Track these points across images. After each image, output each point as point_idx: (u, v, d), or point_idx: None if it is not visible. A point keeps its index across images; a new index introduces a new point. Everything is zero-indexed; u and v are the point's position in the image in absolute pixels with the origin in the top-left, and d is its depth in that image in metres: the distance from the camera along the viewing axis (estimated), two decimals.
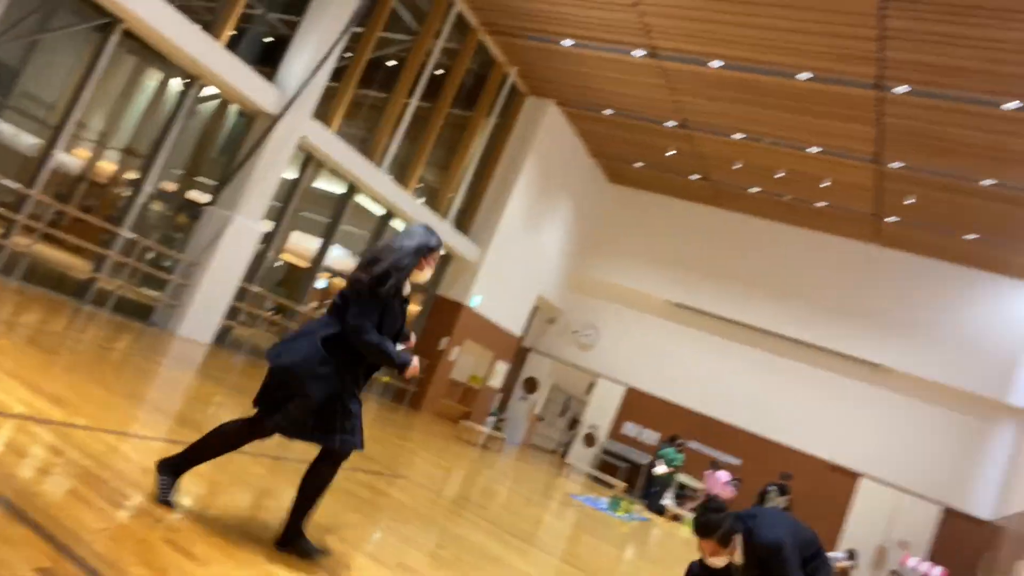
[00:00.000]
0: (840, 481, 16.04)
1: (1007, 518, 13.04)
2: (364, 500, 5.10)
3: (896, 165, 13.13)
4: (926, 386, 15.96)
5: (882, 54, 10.38)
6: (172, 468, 3.27)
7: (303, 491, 3.31)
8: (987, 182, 12.40)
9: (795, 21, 10.41)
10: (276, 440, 5.98)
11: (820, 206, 16.14)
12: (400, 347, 3.41)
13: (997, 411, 15.34)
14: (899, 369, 16.10)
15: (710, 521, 3.93)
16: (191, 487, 3.75)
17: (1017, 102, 10.19)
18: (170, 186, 13.48)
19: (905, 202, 14.29)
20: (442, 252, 3.54)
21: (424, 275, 3.44)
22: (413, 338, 3.59)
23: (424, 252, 3.37)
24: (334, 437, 3.25)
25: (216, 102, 13.27)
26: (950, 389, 15.65)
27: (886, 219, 15.48)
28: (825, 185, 14.93)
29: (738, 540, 3.92)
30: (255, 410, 3.32)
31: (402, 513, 5.25)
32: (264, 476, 4.67)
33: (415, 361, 3.32)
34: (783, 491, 13.02)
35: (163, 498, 3.23)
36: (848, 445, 16.25)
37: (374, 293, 3.21)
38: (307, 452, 5.91)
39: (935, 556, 14.86)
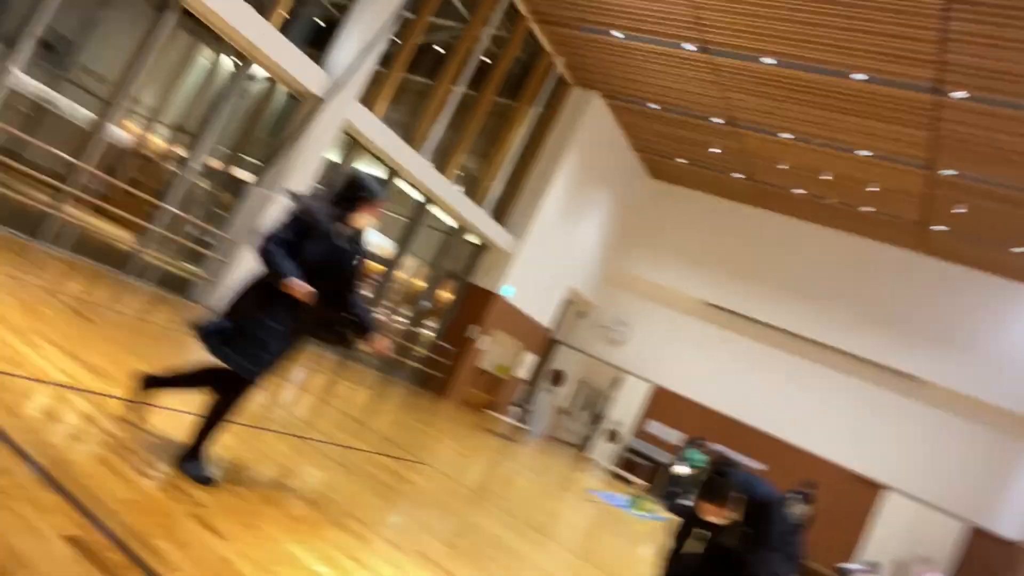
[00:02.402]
0: (863, 492, 15.73)
1: None
2: (385, 484, 5.17)
3: (948, 172, 12.75)
4: (959, 400, 15.53)
5: (941, 57, 10.06)
6: (150, 383, 3.68)
7: (210, 411, 3.46)
8: None
9: (851, 20, 10.14)
10: (303, 418, 6.10)
11: (865, 211, 15.77)
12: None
13: None
14: (932, 381, 15.69)
15: (719, 486, 3.93)
16: (218, 462, 3.85)
17: None
18: (216, 164, 13.73)
19: (954, 211, 13.88)
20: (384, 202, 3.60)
21: (361, 221, 3.51)
22: (379, 340, 3.70)
23: (366, 198, 3.48)
24: (234, 359, 3.35)
25: (265, 83, 13.45)
26: (983, 404, 15.21)
27: (932, 227, 15.06)
28: (872, 190, 14.57)
29: (738, 500, 3.93)
30: None
31: (422, 499, 5.31)
32: (288, 454, 4.76)
33: (298, 284, 3.25)
34: (807, 499, 12.83)
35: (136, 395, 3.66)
36: (874, 456, 15.92)
37: (296, 218, 3.38)
38: (332, 433, 6.02)
39: (957, 574, 14.54)
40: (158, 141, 15.96)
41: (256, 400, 6.11)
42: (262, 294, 3.35)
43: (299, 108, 10.66)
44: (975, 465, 15.11)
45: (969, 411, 15.47)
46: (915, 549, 15.13)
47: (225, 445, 4.12)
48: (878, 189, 14.46)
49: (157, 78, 15.26)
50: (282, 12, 10.08)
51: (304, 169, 10.55)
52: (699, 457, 13.89)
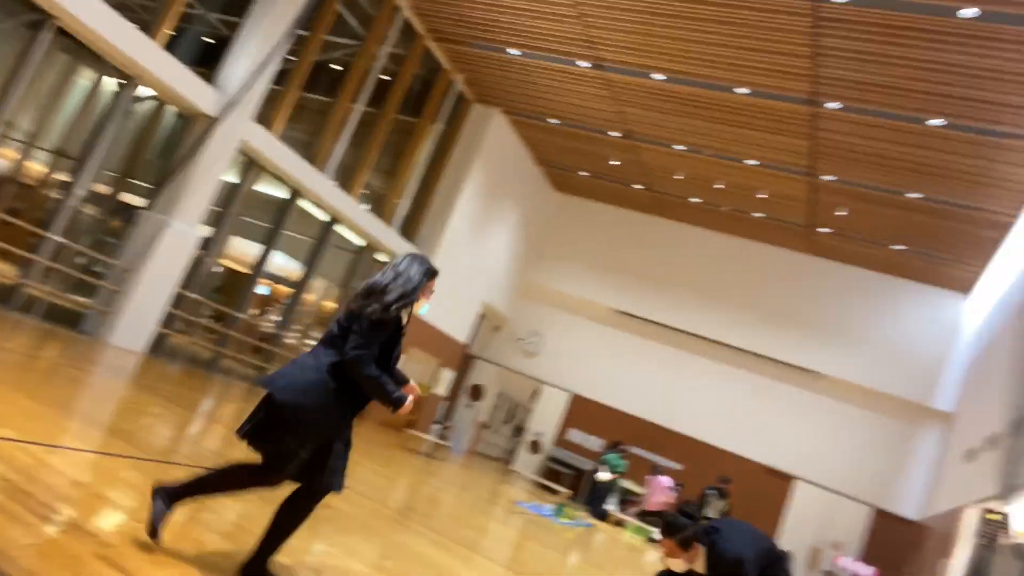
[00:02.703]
0: (776, 484, 16.50)
1: (932, 518, 13.63)
2: None
3: (828, 178, 13.64)
4: (857, 391, 16.58)
5: (815, 71, 10.80)
6: (169, 496, 3.08)
7: (277, 525, 3.17)
8: (913, 195, 13.00)
9: (733, 37, 10.74)
10: (214, 450, 5.84)
11: (757, 217, 16.64)
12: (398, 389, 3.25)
13: (923, 415, 16.04)
14: (832, 375, 16.69)
15: (676, 522, 4.02)
16: (123, 500, 3.64)
17: (941, 119, 10.72)
18: (103, 189, 13.01)
19: (837, 214, 14.85)
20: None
21: (422, 305, 3.35)
22: (413, 384, 3.41)
23: (429, 276, 3.34)
24: (320, 476, 3.13)
25: (153, 103, 12.89)
26: (880, 394, 16.30)
27: (819, 230, 16.05)
28: (762, 196, 15.40)
29: (701, 550, 4.00)
30: (243, 440, 3.11)
31: (345, 524, 5.18)
32: None
33: (410, 400, 3.20)
34: (722, 495, 13.31)
35: (154, 526, 3.03)
36: (784, 448, 16.74)
37: (381, 323, 3.11)
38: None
39: (866, 556, 15.42)
40: (38, 167, 14.97)
41: (162, 434, 5.81)
42: (335, 408, 3.11)
43: (190, 128, 10.28)
44: (876, 451, 16.11)
45: (867, 401, 16.52)
46: (827, 535, 15.96)
47: (130, 483, 3.90)
48: (767, 196, 15.30)
49: (34, 101, 14.35)
50: (167, 30, 9.71)
51: (200, 192, 10.16)
52: (619, 461, 14.17)
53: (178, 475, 4.53)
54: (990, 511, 9.83)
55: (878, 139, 11.86)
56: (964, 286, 15.91)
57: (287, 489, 3.24)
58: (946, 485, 13.31)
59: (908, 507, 15.65)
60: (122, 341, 9.72)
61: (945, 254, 14.82)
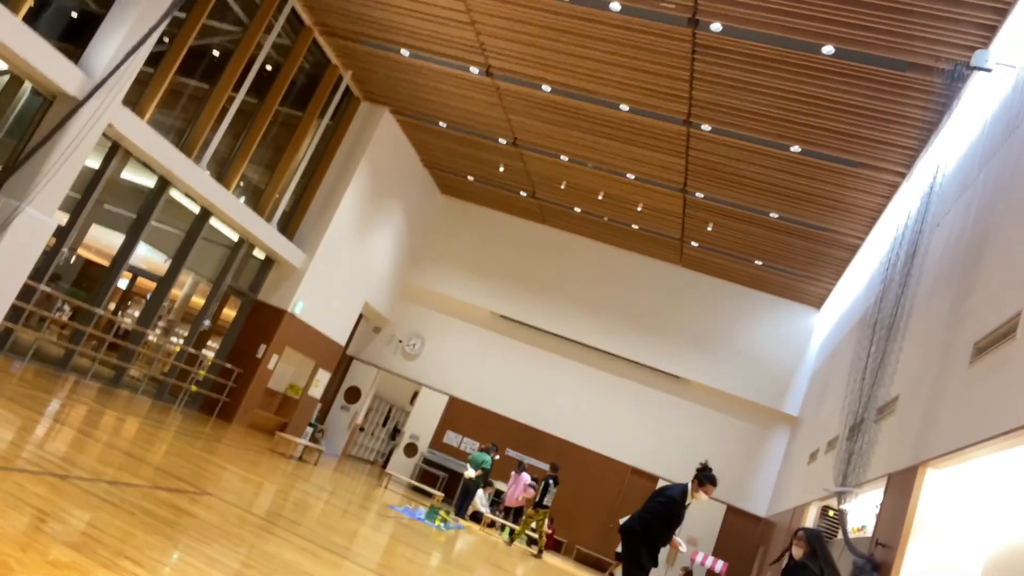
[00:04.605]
0: (641, 483, 17.27)
1: (778, 514, 14.72)
2: (163, 520, 4.79)
3: (698, 195, 14.46)
4: (718, 396, 17.66)
5: (691, 94, 11.44)
6: None
7: None
8: (773, 215, 14.01)
9: (618, 56, 11.21)
10: (61, 454, 5.46)
11: (635, 228, 17.37)
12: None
13: (774, 419, 17.30)
14: (696, 380, 17.68)
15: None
16: None
17: (799, 147, 11.64)
18: None
19: (706, 229, 15.77)
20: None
21: (699, 496, 6.16)
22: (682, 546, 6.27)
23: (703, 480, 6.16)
24: None
25: (6, 78, 11.84)
26: (737, 399, 17.44)
27: (690, 243, 16.98)
28: (639, 209, 16.10)
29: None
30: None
31: (206, 532, 4.99)
32: (46, 496, 4.25)
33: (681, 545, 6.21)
34: (556, 482, 14.10)
35: None
36: (649, 450, 17.57)
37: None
38: (96, 469, 5.45)
39: (719, 551, 16.44)
40: None
41: (1, 436, 5.37)
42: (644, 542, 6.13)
43: (51, 109, 9.53)
44: (733, 453, 17.20)
45: (726, 406, 17.60)
46: (686, 533, 16.84)
47: None
48: (644, 209, 16.01)
49: None
50: (27, 1, 8.97)
51: (57, 177, 9.43)
52: (484, 458, 14.38)
53: (21, 481, 4.22)
54: (828, 508, 10.75)
55: (744, 161, 12.71)
56: (816, 301, 17.31)
57: None
58: (791, 484, 14.41)
59: (758, 505, 16.83)
60: None
61: (800, 271, 16.07)
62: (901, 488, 6.55)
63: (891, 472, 7.04)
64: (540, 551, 13.46)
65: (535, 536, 13.83)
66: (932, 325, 7.32)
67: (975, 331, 5.91)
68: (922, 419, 6.59)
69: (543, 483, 13.87)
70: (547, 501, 13.67)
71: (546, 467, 17.32)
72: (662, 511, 6.05)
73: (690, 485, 6.16)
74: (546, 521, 13.93)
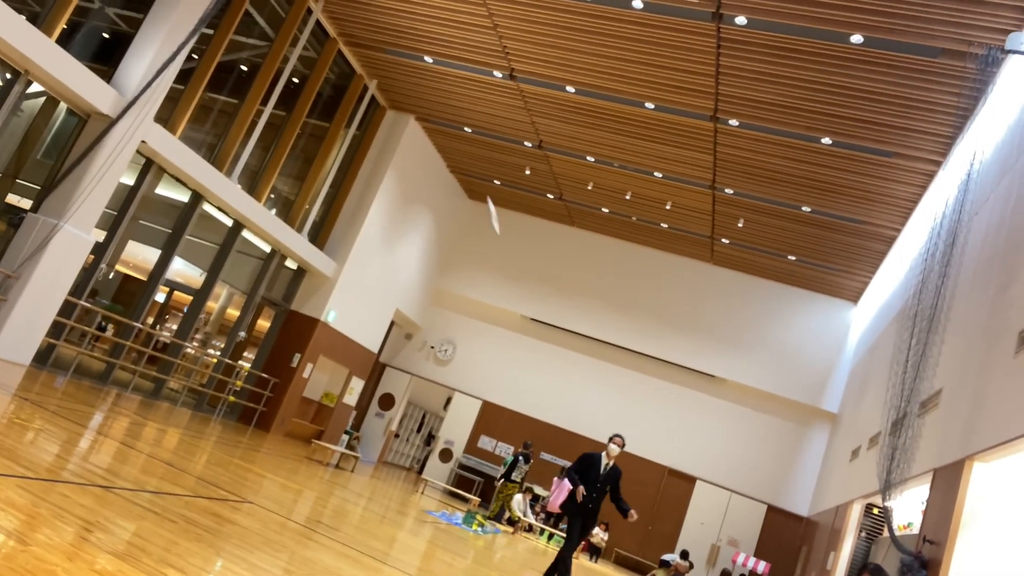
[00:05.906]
0: (679, 485, 17.09)
1: (820, 514, 14.45)
2: (205, 528, 4.85)
3: (728, 191, 14.30)
4: (754, 394, 17.41)
5: (718, 89, 11.32)
6: None
7: None
8: (805, 209, 13.79)
9: (642, 54, 11.13)
10: (106, 466, 5.57)
11: (664, 227, 17.24)
12: None
13: (813, 416, 17.00)
14: (731, 379, 17.45)
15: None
16: (5, 521, 3.44)
17: (829, 138, 11.44)
18: None
19: (737, 226, 15.58)
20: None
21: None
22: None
23: None
24: None
25: (43, 99, 12.17)
26: (774, 397, 17.17)
27: (720, 240, 16.78)
28: (668, 208, 15.97)
29: None
30: None
31: (248, 539, 5.04)
32: (91, 507, 4.34)
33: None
34: (528, 459, 14.27)
35: None
36: (687, 451, 17.38)
37: None
38: (140, 479, 5.54)
39: (760, 552, 16.18)
40: None
41: (48, 450, 5.50)
42: None
43: (85, 128, 9.76)
44: (771, 451, 16.94)
45: (760, 403, 17.34)
46: (726, 533, 16.64)
47: (13, 504, 3.68)
48: (672, 207, 15.87)
49: None
50: (60, 24, 9.20)
51: (94, 194, 9.65)
52: (508, 460, 14.63)
53: (67, 492, 4.31)
54: (872, 506, 10.52)
55: (774, 155, 12.53)
56: (853, 295, 16.98)
57: None
58: (833, 482, 14.14)
59: (799, 504, 16.54)
60: (5, 353, 9.11)
61: (835, 265, 15.78)
62: (948, 483, 6.38)
63: (937, 467, 6.87)
64: (513, 524, 13.85)
65: (514, 516, 14.05)
66: (975, 315, 7.13)
67: (1020, 319, 5.74)
68: (967, 412, 6.42)
69: (512, 458, 14.13)
70: (515, 476, 14.09)
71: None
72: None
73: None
74: (519, 497, 14.08)
